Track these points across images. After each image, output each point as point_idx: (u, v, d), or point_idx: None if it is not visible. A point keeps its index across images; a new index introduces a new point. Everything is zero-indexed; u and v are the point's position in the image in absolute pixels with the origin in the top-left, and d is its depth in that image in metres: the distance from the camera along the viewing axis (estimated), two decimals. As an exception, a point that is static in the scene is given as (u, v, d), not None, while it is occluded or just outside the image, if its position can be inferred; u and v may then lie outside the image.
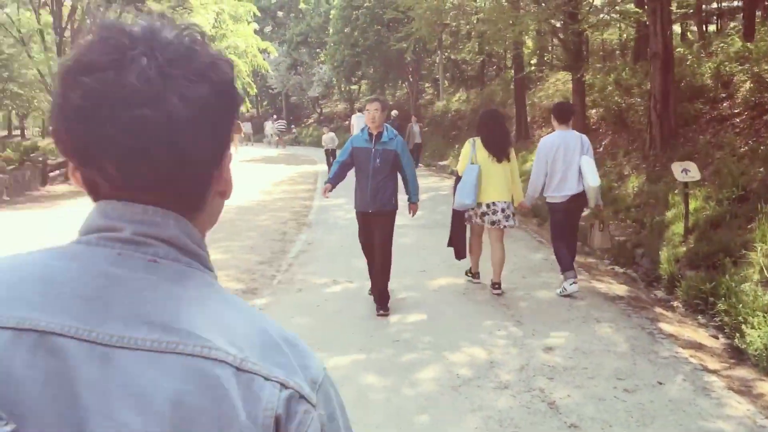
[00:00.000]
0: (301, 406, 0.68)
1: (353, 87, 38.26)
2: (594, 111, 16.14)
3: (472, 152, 5.94)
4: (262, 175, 17.94)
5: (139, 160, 0.68)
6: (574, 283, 5.94)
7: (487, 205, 5.91)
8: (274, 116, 38.67)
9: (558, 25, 14.89)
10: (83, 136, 0.67)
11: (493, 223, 5.94)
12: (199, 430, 0.62)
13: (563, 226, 6.37)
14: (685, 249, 7.46)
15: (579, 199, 6.28)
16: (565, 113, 6.32)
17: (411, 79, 30.67)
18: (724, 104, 11.69)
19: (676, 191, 9.14)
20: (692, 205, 8.10)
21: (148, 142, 0.67)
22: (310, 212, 11.21)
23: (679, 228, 7.96)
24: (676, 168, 8.00)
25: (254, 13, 23.84)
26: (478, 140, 6.01)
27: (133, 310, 0.66)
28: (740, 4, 25.29)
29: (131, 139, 0.66)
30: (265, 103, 51.22)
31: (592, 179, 6.07)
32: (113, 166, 0.68)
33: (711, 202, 7.96)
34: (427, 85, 34.76)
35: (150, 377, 0.63)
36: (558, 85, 18.94)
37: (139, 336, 0.64)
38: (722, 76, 12.37)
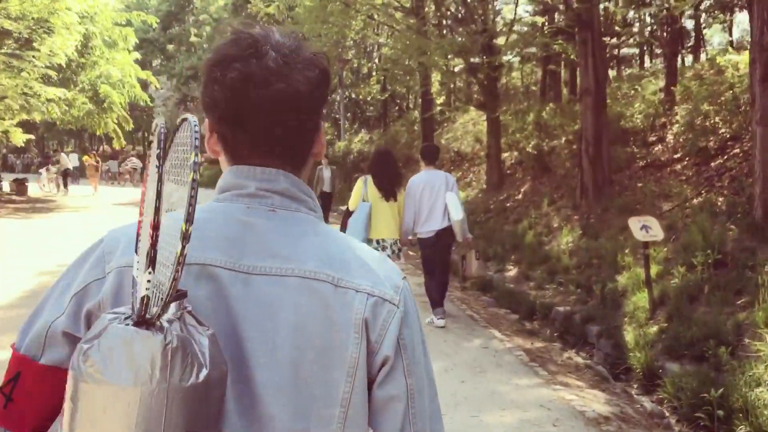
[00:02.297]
0: (384, 307, 0.93)
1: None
2: (507, 154, 14.83)
3: (363, 190, 6.07)
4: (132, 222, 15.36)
5: (274, 122, 0.94)
6: (441, 318, 6.38)
7: (377, 242, 6.03)
8: None
9: (471, 61, 13.50)
10: (238, 104, 0.93)
11: None
12: (312, 327, 0.89)
13: (433, 261, 6.58)
14: (656, 329, 5.85)
15: (446, 234, 6.40)
16: (432, 154, 6.69)
17: (310, 118, 28.91)
18: (656, 148, 10.54)
19: (626, 250, 7.64)
20: (653, 269, 6.56)
21: (282, 107, 0.93)
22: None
23: (641, 299, 6.37)
24: (635, 224, 6.45)
25: (135, 42, 21.29)
26: (369, 178, 6.13)
27: (261, 247, 0.92)
28: (636, 51, 25.34)
29: (272, 105, 0.93)
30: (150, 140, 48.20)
31: (456, 213, 6.25)
32: (256, 127, 0.95)
33: (679, 267, 6.43)
34: (327, 124, 33.08)
35: (277, 293, 0.89)
36: (468, 126, 17.61)
37: (267, 265, 0.91)
38: (651, 118, 11.28)
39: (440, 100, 23.38)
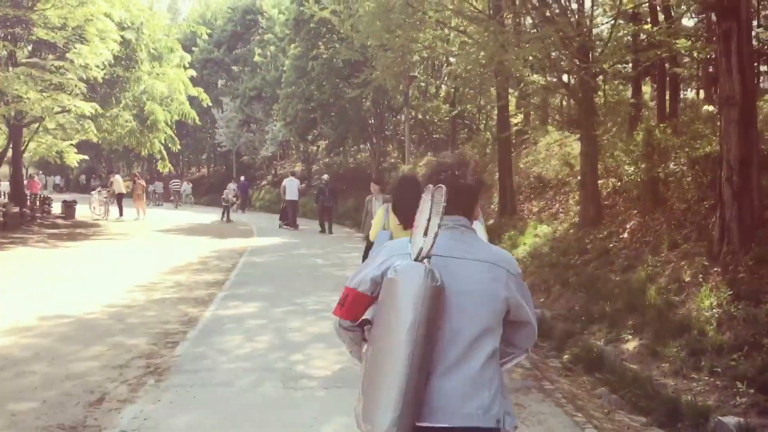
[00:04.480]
0: (513, 278, 2.23)
1: (311, 147, 34.43)
2: (602, 182, 12.29)
3: (385, 218, 5.69)
4: (164, 254, 13.53)
5: (460, 199, 2.25)
6: None
7: None
8: (242, 178, 33.77)
9: (562, 69, 11.13)
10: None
11: None
12: (485, 284, 2.17)
13: None
14: None
15: None
16: None
17: (374, 140, 26.92)
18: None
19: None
20: None
21: (464, 194, 2.27)
22: (186, 338, 6.82)
23: None
24: None
25: (180, 53, 19.79)
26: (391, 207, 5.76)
27: (460, 249, 2.21)
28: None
29: (459, 192, 2.23)
30: (212, 164, 48.01)
31: None
32: (453, 201, 2.16)
33: None
34: (391, 147, 31.06)
35: (470, 268, 2.18)
36: (552, 148, 15.13)
37: (465, 256, 2.20)
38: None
39: (516, 120, 20.96)
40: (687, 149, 9.60)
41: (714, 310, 6.49)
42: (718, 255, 7.46)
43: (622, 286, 8.22)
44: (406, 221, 5.24)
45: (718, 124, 8.17)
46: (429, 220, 2.07)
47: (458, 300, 2.10)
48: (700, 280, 7.20)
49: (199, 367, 5.67)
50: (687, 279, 7.41)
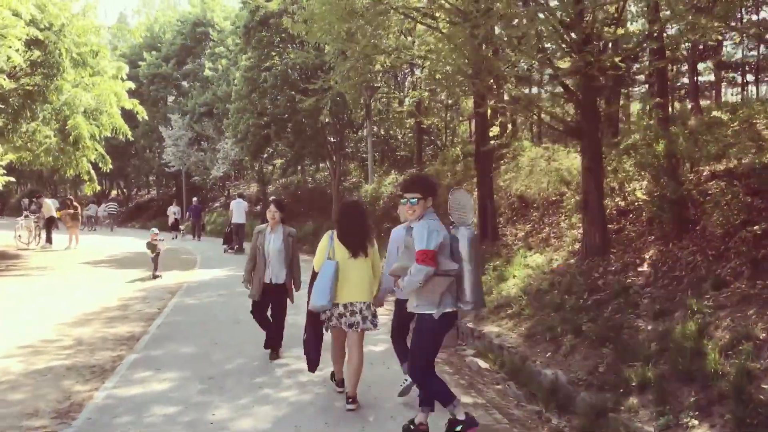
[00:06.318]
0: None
1: (266, 167, 32.08)
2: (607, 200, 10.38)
3: (329, 246, 5.40)
4: (79, 295, 11.13)
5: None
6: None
7: (345, 306, 5.31)
8: (194, 199, 30.04)
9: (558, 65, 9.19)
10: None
11: (350, 325, 5.34)
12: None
13: (407, 327, 5.75)
14: None
15: None
16: None
17: (333, 158, 24.79)
18: None
19: None
20: None
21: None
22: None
23: None
24: None
25: (118, 65, 17.48)
26: (336, 233, 5.49)
27: None
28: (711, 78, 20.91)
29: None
30: (161, 186, 45.27)
31: None
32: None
33: None
34: (353, 165, 29.00)
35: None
36: (538, 162, 13.20)
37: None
38: None
39: (491, 132, 19.10)
40: (723, 160, 7.75)
41: (821, 387, 4.53)
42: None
43: (662, 341, 6.23)
44: (356, 249, 5.28)
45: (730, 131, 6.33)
46: (466, 206, 4.58)
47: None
48: (783, 336, 5.25)
49: None
50: (761, 335, 5.45)
